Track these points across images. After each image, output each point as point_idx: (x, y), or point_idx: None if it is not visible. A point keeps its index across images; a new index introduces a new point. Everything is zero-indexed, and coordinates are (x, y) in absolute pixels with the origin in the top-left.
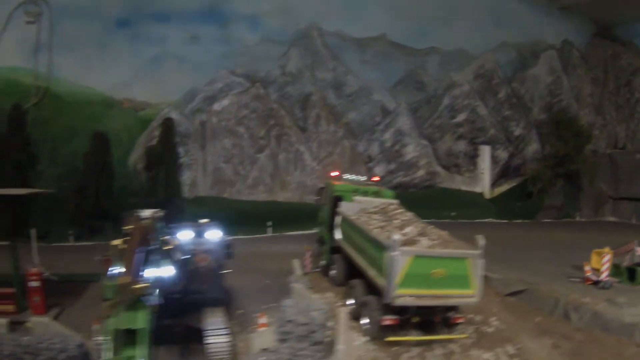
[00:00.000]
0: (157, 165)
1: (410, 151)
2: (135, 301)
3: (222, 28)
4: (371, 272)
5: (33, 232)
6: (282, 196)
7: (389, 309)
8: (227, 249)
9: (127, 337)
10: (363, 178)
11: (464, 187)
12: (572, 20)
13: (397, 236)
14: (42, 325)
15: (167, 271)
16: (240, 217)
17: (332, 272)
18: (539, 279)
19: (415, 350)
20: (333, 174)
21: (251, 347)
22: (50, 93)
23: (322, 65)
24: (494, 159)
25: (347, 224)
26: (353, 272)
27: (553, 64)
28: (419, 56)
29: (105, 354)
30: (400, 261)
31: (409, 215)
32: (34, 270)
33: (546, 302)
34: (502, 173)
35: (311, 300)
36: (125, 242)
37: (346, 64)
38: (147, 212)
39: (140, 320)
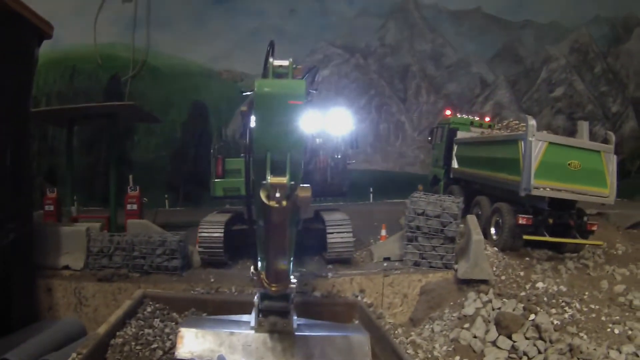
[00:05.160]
0: None
1: None
2: None
3: (320, 1)
4: (501, 177)
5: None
6: (383, 166)
7: (523, 209)
8: (352, 139)
9: None
10: (476, 118)
11: None
12: None
13: (532, 121)
14: (139, 225)
15: None
16: None
17: None
18: None
19: (548, 264)
20: (446, 112)
21: (373, 256)
22: (148, 66)
23: (420, 37)
24: (592, 136)
25: (467, 146)
26: (471, 199)
27: None
28: (514, 29)
29: None
30: (537, 147)
31: None
32: (133, 193)
33: None
34: None
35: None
36: None
37: (443, 36)
38: None
39: None
